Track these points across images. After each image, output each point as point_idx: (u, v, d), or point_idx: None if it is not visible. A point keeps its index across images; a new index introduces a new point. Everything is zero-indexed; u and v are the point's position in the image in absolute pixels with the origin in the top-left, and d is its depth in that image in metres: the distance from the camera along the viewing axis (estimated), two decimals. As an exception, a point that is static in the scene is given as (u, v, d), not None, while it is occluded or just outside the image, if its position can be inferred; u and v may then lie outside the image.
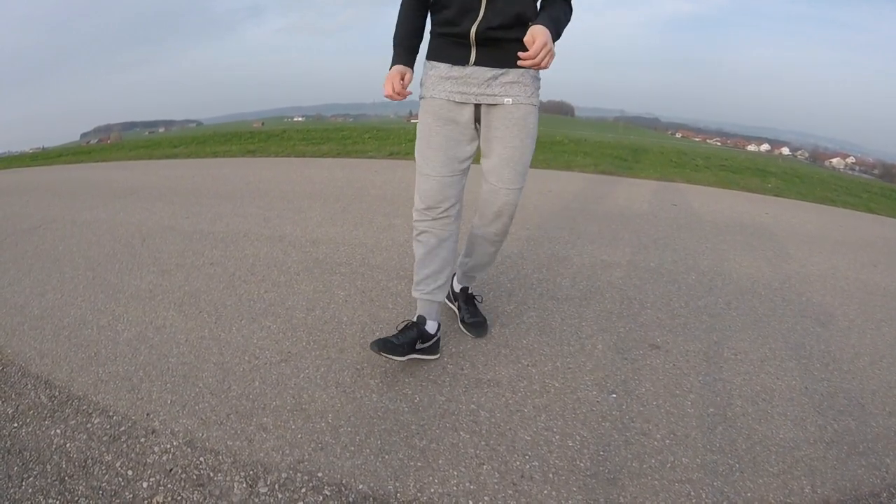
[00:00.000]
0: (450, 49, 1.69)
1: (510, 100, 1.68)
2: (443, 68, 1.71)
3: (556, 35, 1.53)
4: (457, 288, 2.28)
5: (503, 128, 1.70)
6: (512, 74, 1.67)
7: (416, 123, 1.82)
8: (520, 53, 1.49)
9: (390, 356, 1.80)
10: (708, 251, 3.28)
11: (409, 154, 6.57)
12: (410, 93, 1.69)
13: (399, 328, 1.92)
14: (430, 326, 1.95)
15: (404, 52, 1.73)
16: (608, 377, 1.91)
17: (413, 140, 1.84)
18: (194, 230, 3.63)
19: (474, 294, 2.29)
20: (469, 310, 2.22)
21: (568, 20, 1.65)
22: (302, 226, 3.63)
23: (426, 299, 1.91)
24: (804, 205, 5.27)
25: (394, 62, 1.71)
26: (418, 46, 1.77)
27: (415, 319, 1.94)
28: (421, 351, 1.93)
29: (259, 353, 2.06)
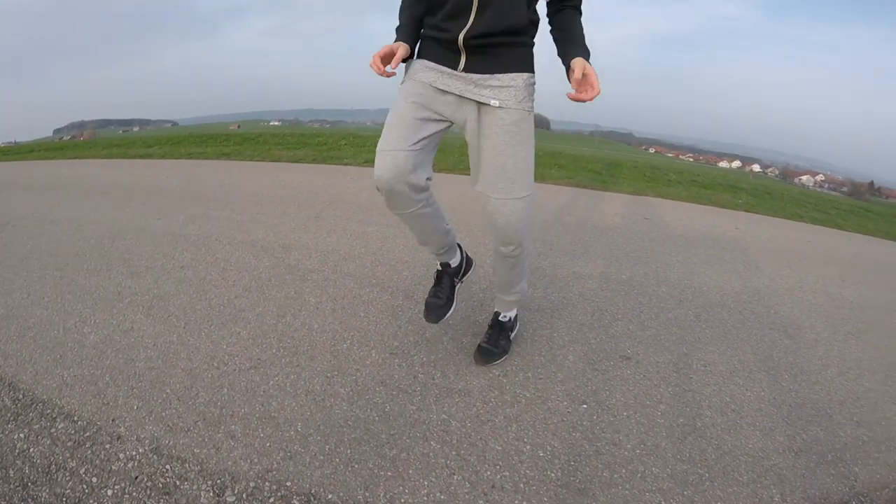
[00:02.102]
0: (439, 52, 1.60)
1: (497, 102, 1.56)
2: (431, 63, 1.61)
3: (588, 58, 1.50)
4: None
5: (493, 135, 1.59)
6: (502, 79, 1.57)
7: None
8: (569, 94, 1.45)
9: (446, 316, 1.95)
10: (679, 264, 3.32)
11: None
12: (394, 73, 1.55)
13: (434, 286, 2.01)
14: (454, 260, 2.02)
15: (405, 33, 1.62)
16: (579, 388, 1.92)
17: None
18: (165, 232, 3.57)
19: (504, 321, 2.08)
20: (488, 334, 2.08)
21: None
22: (275, 231, 3.59)
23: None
24: (774, 220, 5.38)
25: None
26: (419, 33, 1.66)
27: (439, 267, 2.02)
28: (461, 278, 2.09)
29: (228, 359, 2.03)
